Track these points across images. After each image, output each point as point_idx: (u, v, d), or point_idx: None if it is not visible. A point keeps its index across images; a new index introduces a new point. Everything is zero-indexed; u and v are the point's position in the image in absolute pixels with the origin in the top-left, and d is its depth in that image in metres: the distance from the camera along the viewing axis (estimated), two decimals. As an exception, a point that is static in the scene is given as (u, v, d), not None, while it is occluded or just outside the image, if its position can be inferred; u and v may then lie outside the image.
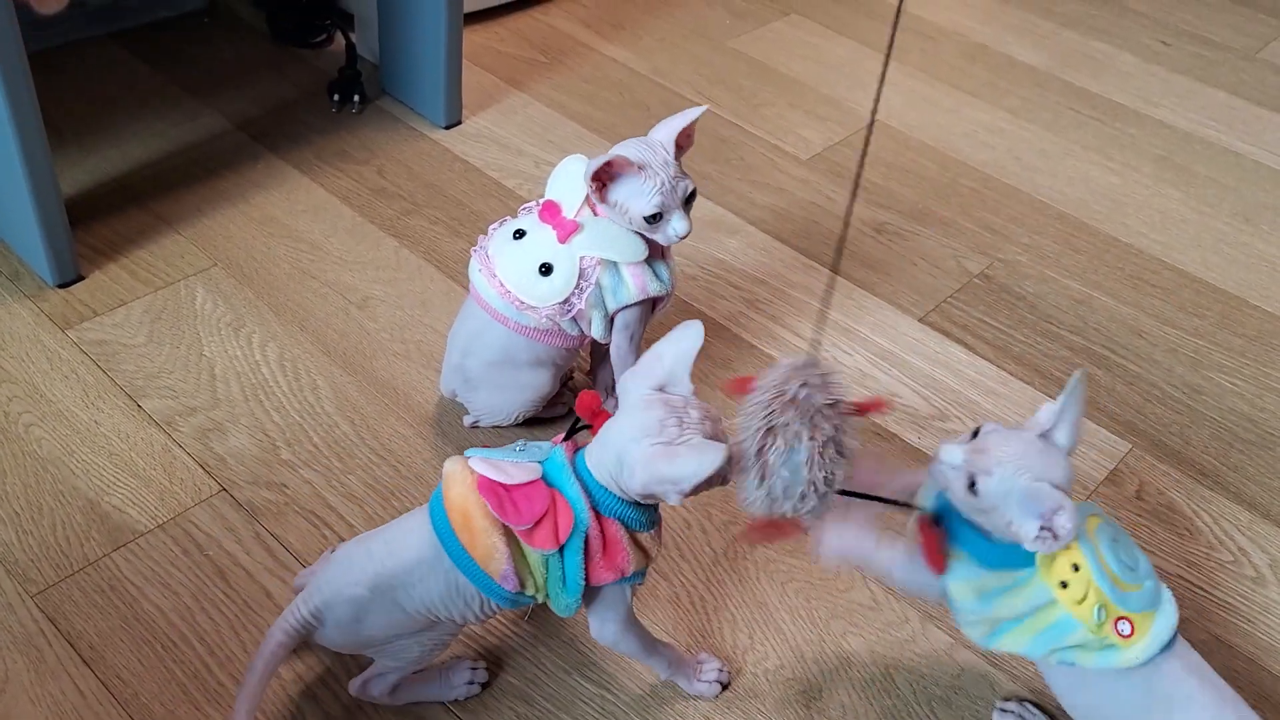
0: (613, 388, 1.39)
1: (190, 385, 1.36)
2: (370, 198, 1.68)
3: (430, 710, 1.07)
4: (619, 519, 0.94)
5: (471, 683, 1.09)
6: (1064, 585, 0.94)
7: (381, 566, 0.96)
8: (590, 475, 0.93)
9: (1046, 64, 2.21)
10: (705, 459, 0.87)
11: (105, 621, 1.11)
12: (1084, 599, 0.93)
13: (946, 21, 2.32)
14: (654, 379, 0.92)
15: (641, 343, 1.27)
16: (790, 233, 1.70)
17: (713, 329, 1.52)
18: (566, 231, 1.19)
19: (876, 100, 1.01)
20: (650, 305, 1.26)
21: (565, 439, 0.98)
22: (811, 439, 0.89)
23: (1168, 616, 0.96)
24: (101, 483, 1.24)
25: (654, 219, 1.18)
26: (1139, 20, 2.40)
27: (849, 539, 1.03)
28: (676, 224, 1.19)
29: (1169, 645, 0.95)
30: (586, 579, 0.94)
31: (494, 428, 1.34)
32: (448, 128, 1.84)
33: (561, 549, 0.93)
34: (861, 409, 0.94)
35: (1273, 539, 1.33)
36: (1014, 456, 0.92)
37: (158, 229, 1.58)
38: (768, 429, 0.90)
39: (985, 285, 1.65)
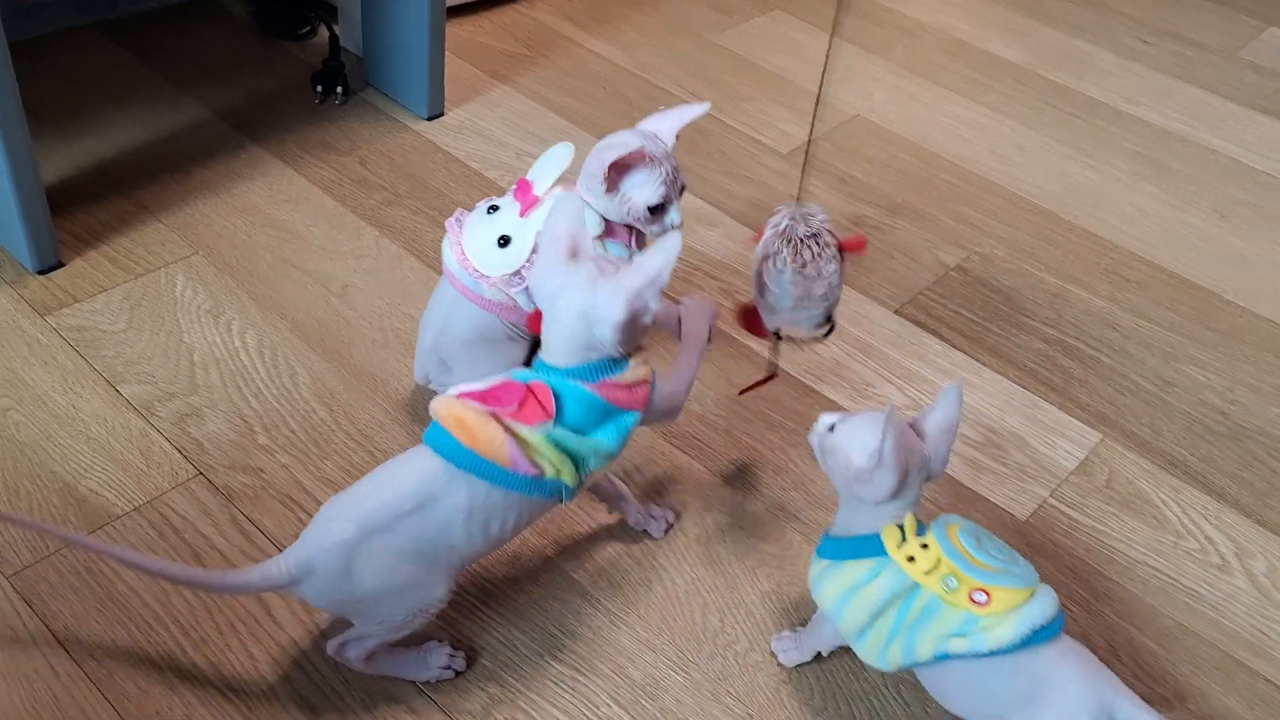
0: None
1: (169, 371, 1.37)
2: (352, 188, 1.69)
3: (402, 690, 1.08)
4: (607, 375, 1.00)
5: (448, 667, 1.09)
6: (911, 560, 0.97)
7: (370, 505, 0.97)
8: (553, 369, 1.01)
9: (1027, 60, 2.23)
10: (666, 249, 0.97)
11: (80, 603, 1.12)
12: (933, 569, 0.96)
13: (928, 17, 2.34)
14: (561, 251, 1.00)
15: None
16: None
17: (690, 319, 1.53)
18: (527, 206, 1.22)
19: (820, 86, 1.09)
20: None
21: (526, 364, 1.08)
22: (793, 261, 1.15)
23: (1045, 602, 0.96)
24: (79, 467, 1.25)
25: (657, 210, 1.20)
26: (1119, 18, 2.42)
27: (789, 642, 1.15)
28: (673, 215, 1.23)
29: (1046, 636, 0.95)
30: (630, 409, 1.02)
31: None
32: (430, 119, 1.85)
33: (559, 421, 0.98)
34: (842, 245, 1.18)
35: (1239, 528, 1.34)
36: (874, 416, 1.00)
37: (139, 217, 1.59)
38: (763, 256, 1.17)
39: (961, 278, 1.67)
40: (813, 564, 1.05)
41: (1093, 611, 1.23)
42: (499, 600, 1.17)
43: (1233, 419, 1.49)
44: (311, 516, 1.21)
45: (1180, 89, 2.19)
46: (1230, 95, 2.19)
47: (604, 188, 1.20)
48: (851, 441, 1.00)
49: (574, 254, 1.00)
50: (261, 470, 1.27)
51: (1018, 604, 0.95)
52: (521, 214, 1.22)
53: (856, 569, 1.00)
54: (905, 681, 1.14)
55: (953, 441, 1.01)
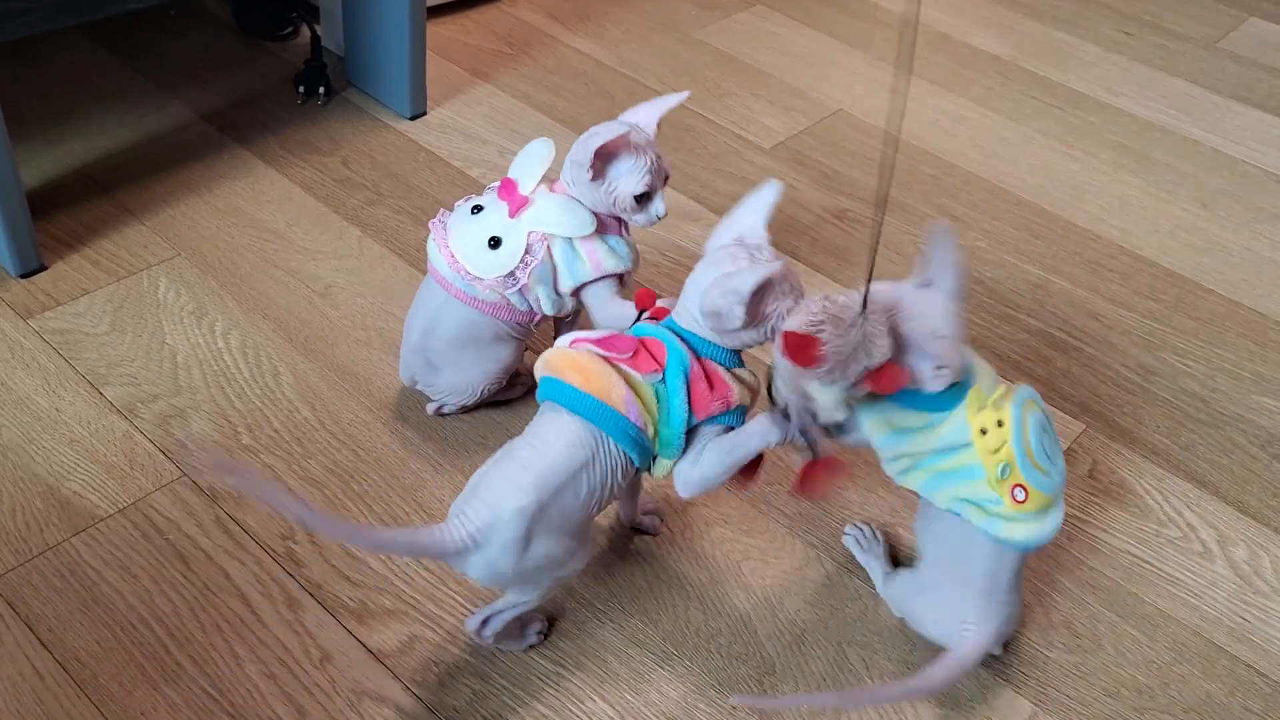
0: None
1: (152, 373, 1.37)
2: (334, 188, 1.69)
3: (387, 687, 1.08)
4: (713, 358, 1.03)
5: (540, 633, 1.13)
6: (983, 432, 1.00)
7: (543, 466, 0.97)
8: (677, 324, 1.04)
9: (1009, 53, 2.24)
10: (760, 269, 0.97)
11: (64, 605, 1.12)
12: (998, 450, 1.00)
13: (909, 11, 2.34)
14: (732, 231, 1.04)
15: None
16: (752, 220, 1.72)
17: (673, 315, 1.54)
18: (516, 206, 1.22)
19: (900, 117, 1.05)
20: (618, 280, 1.27)
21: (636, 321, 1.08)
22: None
23: (1057, 519, 1.04)
24: (62, 469, 1.25)
25: (642, 199, 1.21)
26: (1101, 10, 2.42)
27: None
28: (658, 205, 1.24)
29: (1036, 546, 1.04)
30: (695, 410, 1.01)
31: (460, 411, 1.35)
32: (412, 118, 1.85)
33: (665, 377, 1.00)
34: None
35: (1221, 515, 1.35)
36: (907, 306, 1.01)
37: (121, 219, 1.59)
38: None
39: (944, 270, 1.67)
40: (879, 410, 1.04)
41: (1076, 600, 1.23)
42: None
43: (1213, 406, 1.50)
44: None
45: (1162, 80, 2.20)
46: (1211, 86, 2.20)
47: (589, 175, 1.20)
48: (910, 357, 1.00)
49: (740, 240, 1.03)
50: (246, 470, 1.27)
51: (1042, 509, 1.02)
52: (511, 214, 1.22)
53: (920, 417, 1.02)
54: (891, 674, 1.15)
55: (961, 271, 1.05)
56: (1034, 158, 1.94)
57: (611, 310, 1.25)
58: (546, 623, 1.14)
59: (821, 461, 1.03)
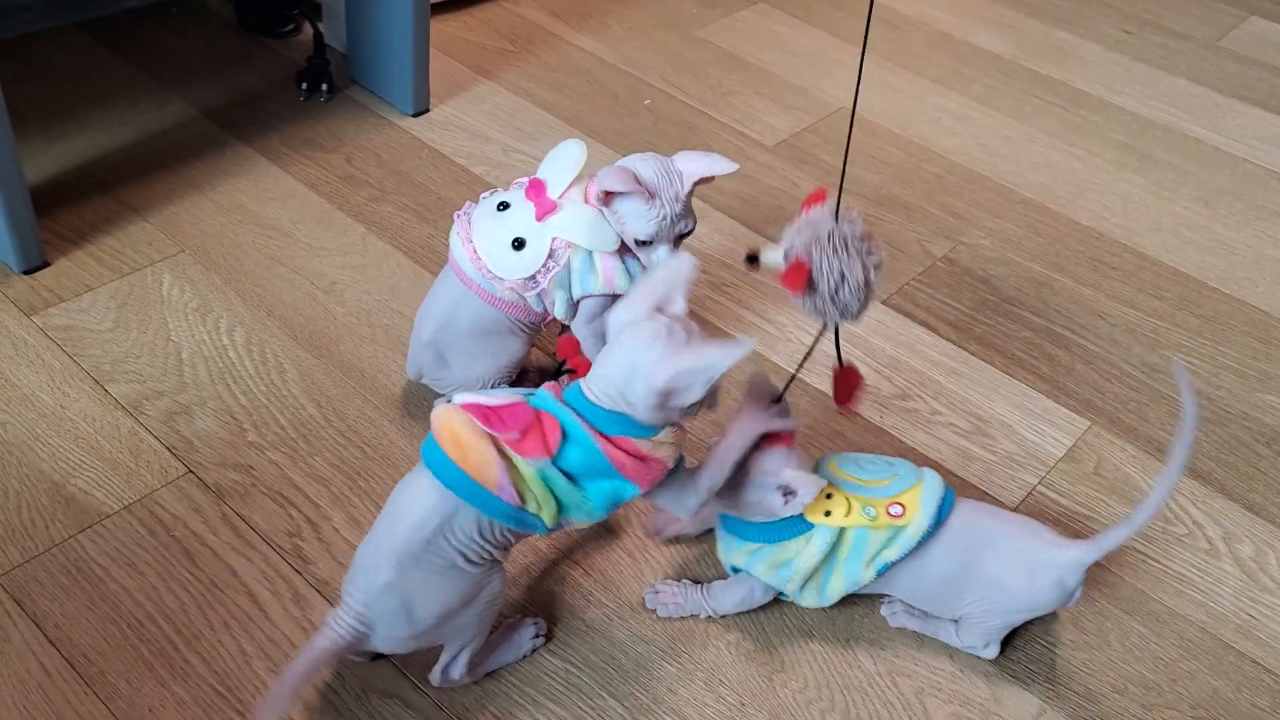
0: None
1: (157, 370, 1.37)
2: (338, 185, 1.69)
3: (396, 684, 1.08)
4: (626, 433, 0.96)
5: (537, 636, 1.12)
6: (828, 514, 1.08)
7: (397, 540, 0.96)
8: (584, 400, 0.97)
9: (1011, 52, 2.24)
10: (732, 349, 0.93)
11: (71, 601, 1.12)
12: (849, 510, 1.07)
13: (912, 10, 2.34)
14: (651, 300, 0.97)
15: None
16: (756, 218, 1.72)
17: (678, 312, 1.54)
18: (544, 210, 1.21)
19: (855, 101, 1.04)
20: (615, 298, 1.26)
21: (553, 378, 1.02)
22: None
23: (932, 483, 1.09)
24: (68, 466, 1.25)
25: (643, 244, 1.20)
26: (1102, 9, 2.43)
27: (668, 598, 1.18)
28: (660, 253, 1.21)
29: (947, 509, 1.09)
30: (638, 484, 0.98)
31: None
32: (416, 116, 1.85)
33: (557, 461, 0.95)
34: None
35: (1226, 513, 1.35)
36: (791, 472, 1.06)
37: (125, 216, 1.59)
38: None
39: (949, 268, 1.67)
40: (733, 545, 1.12)
41: (1083, 597, 1.23)
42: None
43: (1218, 404, 1.50)
44: (301, 513, 1.22)
45: (1163, 79, 2.20)
46: (1213, 85, 2.20)
47: (599, 201, 1.20)
48: (757, 494, 1.07)
49: (660, 308, 0.97)
50: (251, 467, 1.27)
51: (919, 497, 1.08)
52: (538, 218, 1.21)
53: (791, 545, 1.09)
54: (900, 671, 1.15)
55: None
56: (1036, 156, 1.94)
57: (595, 328, 1.26)
58: (543, 624, 1.13)
59: (845, 371, 1.15)
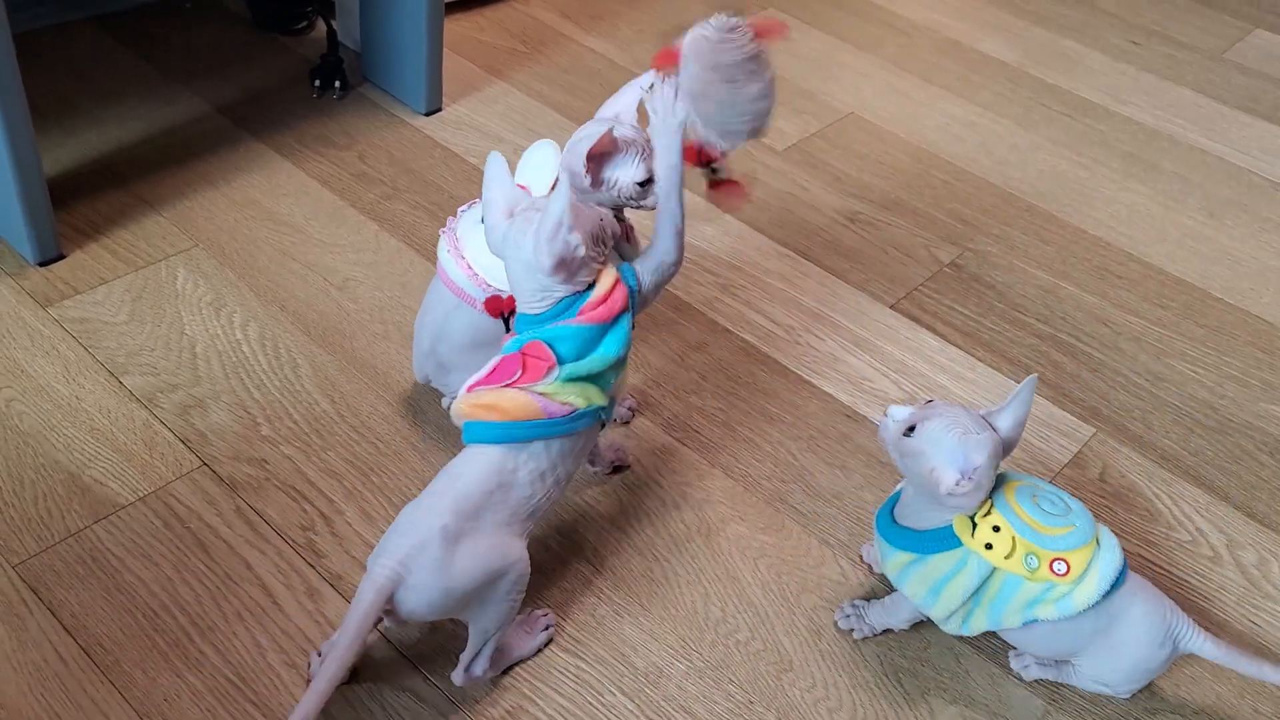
0: None
1: (171, 363, 1.38)
2: (351, 182, 1.70)
3: (408, 677, 1.09)
4: (583, 304, 1.04)
5: (548, 628, 1.14)
6: (989, 547, 1.03)
7: (457, 492, 0.99)
8: (532, 319, 1.05)
9: (1018, 60, 2.25)
10: (561, 193, 1.00)
11: (87, 591, 1.13)
12: (1011, 553, 1.02)
13: (920, 17, 2.36)
14: (497, 208, 1.06)
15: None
16: (765, 221, 1.73)
17: (687, 313, 1.55)
18: None
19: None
20: None
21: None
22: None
23: (1113, 551, 1.04)
24: (83, 457, 1.26)
25: (646, 184, 1.19)
26: (1109, 19, 2.44)
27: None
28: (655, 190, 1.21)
29: (1120, 582, 1.04)
30: (605, 305, 1.05)
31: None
32: (428, 115, 1.86)
33: (560, 370, 1.03)
34: (760, 32, 1.11)
35: (1229, 520, 1.36)
36: (954, 416, 1.01)
37: (139, 210, 1.60)
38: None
39: (955, 274, 1.68)
40: (890, 553, 1.08)
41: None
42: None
43: (1222, 413, 1.51)
44: (315, 507, 1.23)
45: (1169, 89, 2.22)
46: (1218, 96, 2.21)
47: (588, 182, 1.20)
48: (938, 453, 1.01)
49: (510, 213, 1.05)
50: (265, 461, 1.28)
51: (1090, 560, 1.03)
52: None
53: (943, 562, 1.05)
54: (906, 671, 1.16)
55: (1022, 430, 1.06)
56: (1043, 164, 1.96)
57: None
58: (553, 616, 1.15)
59: (726, 183, 1.21)
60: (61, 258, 1.50)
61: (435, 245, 1.59)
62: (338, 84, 1.87)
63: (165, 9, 2.03)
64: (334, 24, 1.92)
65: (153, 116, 1.78)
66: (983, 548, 1.03)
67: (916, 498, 1.07)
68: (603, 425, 1.10)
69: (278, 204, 1.64)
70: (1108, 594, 1.03)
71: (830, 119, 2.00)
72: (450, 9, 2.10)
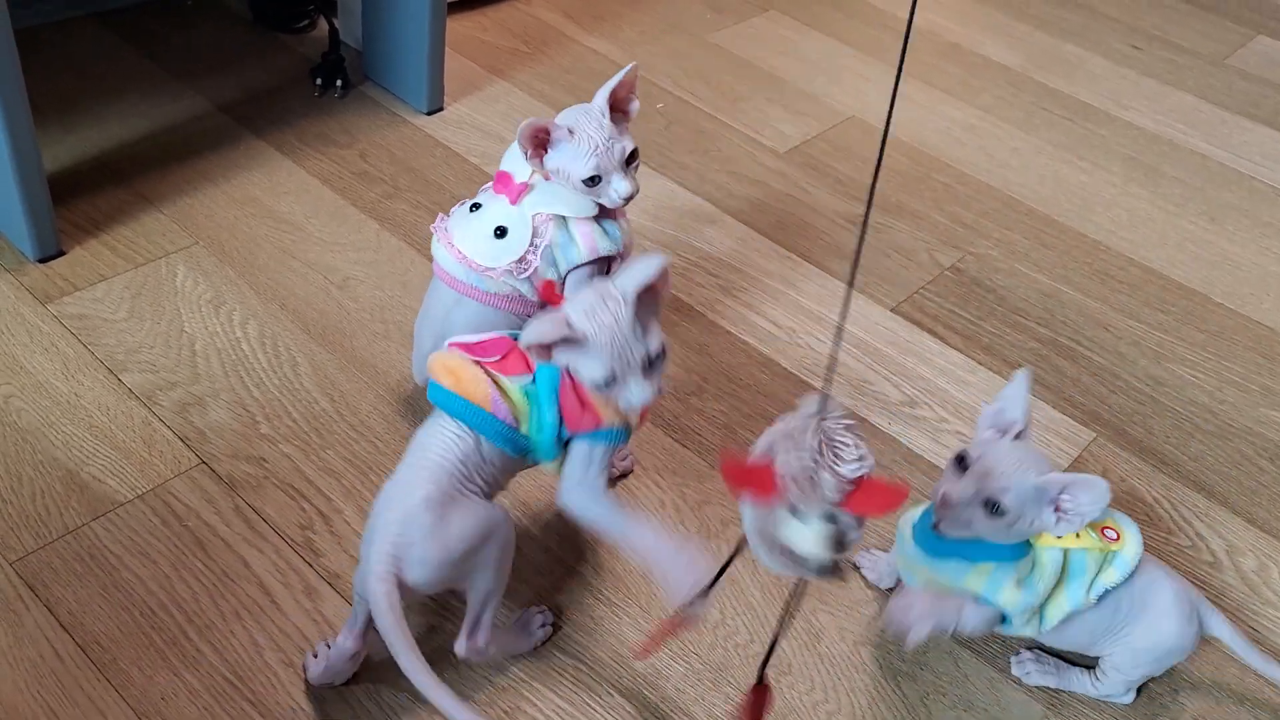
0: None
1: (170, 360, 1.37)
2: (352, 181, 1.69)
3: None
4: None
5: (544, 625, 1.14)
6: (1077, 535, 1.05)
7: (429, 461, 0.99)
8: None
9: (1020, 64, 2.25)
10: (586, 365, 0.96)
11: (84, 588, 1.13)
12: (1080, 535, 1.05)
13: (922, 21, 2.36)
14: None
15: None
16: (767, 224, 1.73)
17: (689, 315, 1.54)
18: (517, 193, 1.22)
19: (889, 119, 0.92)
20: (605, 268, 1.27)
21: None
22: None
23: (1122, 516, 1.10)
24: (81, 454, 1.25)
25: (592, 181, 1.19)
26: (1110, 24, 2.44)
27: (922, 610, 1.06)
28: (616, 184, 1.20)
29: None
30: (564, 423, 1.01)
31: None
32: (429, 114, 1.85)
33: (535, 382, 1.01)
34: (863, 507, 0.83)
35: (1229, 525, 1.36)
36: (1015, 465, 1.00)
37: (139, 207, 1.59)
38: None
39: (956, 277, 1.68)
40: (961, 569, 1.05)
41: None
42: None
43: (1221, 417, 1.51)
44: (314, 505, 1.23)
45: (1171, 94, 2.22)
46: (1220, 101, 2.21)
47: (526, 156, 1.20)
48: (1032, 509, 1.00)
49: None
50: (264, 459, 1.27)
51: (1120, 524, 1.08)
52: (513, 201, 1.23)
53: (1024, 563, 1.04)
54: (905, 675, 1.16)
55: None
56: (1044, 168, 1.96)
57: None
58: (550, 614, 1.15)
59: (756, 694, 0.94)
60: (61, 254, 1.50)
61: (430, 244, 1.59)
62: (339, 82, 1.86)
63: (167, 6, 2.03)
64: (336, 22, 1.92)
65: (154, 114, 1.78)
66: (1058, 539, 1.05)
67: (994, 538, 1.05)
68: (528, 463, 1.05)
69: (278, 202, 1.63)
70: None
71: (832, 122, 2.00)
72: (452, 8, 2.09)
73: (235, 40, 1.98)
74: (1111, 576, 1.06)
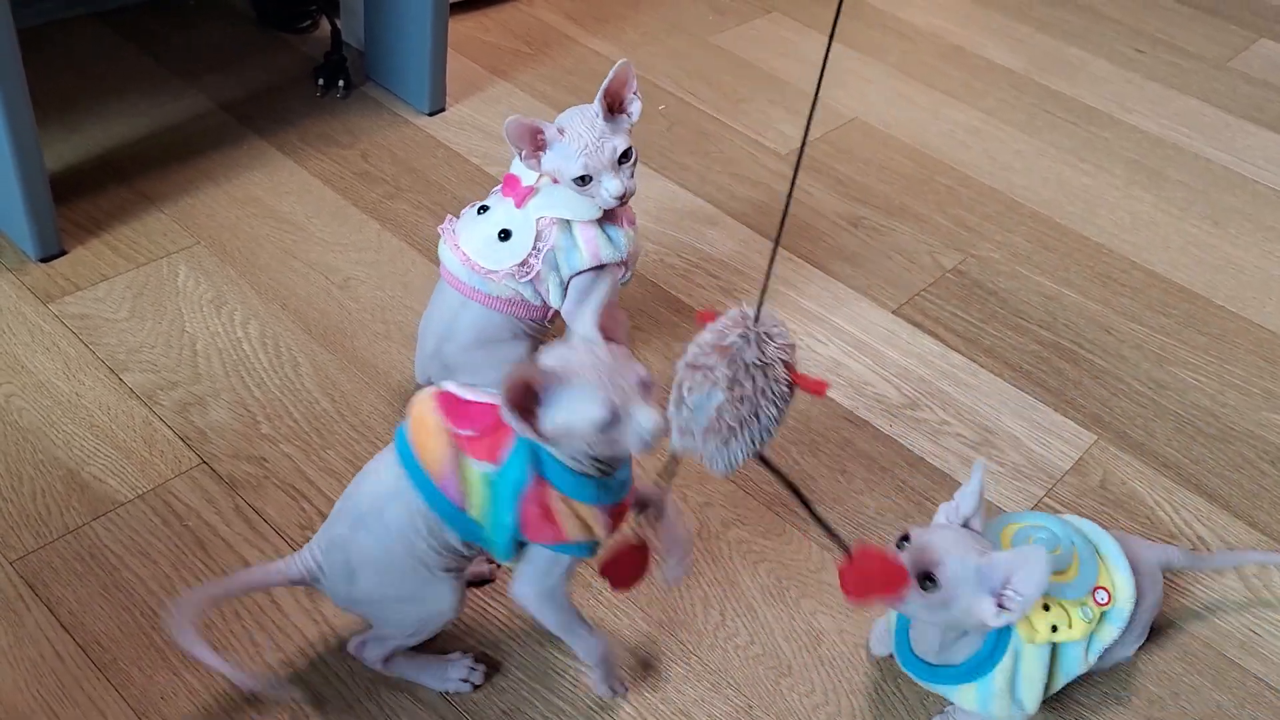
0: None
1: (172, 360, 1.37)
2: (353, 181, 1.69)
3: (408, 682, 1.09)
4: (554, 484, 0.91)
5: (465, 680, 1.08)
6: (1055, 629, 1.01)
7: (355, 498, 0.98)
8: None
9: (1023, 67, 2.25)
10: (580, 408, 0.85)
11: (84, 588, 1.12)
12: (1072, 621, 1.01)
13: (924, 23, 2.36)
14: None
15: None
16: (768, 225, 1.73)
17: (689, 316, 1.54)
18: (523, 197, 1.23)
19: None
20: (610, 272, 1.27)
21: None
22: (729, 389, 0.85)
23: (1111, 546, 1.06)
24: (82, 453, 1.25)
25: (583, 180, 1.19)
26: (1114, 27, 2.44)
27: None
28: (607, 183, 1.19)
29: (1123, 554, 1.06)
30: (523, 529, 0.92)
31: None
32: (431, 114, 1.85)
33: (500, 474, 0.90)
34: (797, 381, 0.88)
35: (1231, 529, 1.36)
36: (955, 542, 0.95)
37: (141, 206, 1.59)
38: (691, 364, 0.87)
39: (958, 280, 1.68)
40: (954, 691, 1.03)
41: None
42: (501, 592, 1.17)
43: (1223, 421, 1.51)
44: (314, 506, 1.23)
45: (1174, 98, 2.22)
46: (1223, 105, 2.21)
47: (519, 154, 1.20)
48: (970, 589, 0.93)
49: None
50: (264, 459, 1.27)
51: (1111, 569, 1.05)
52: (518, 205, 1.23)
53: (1005, 665, 1.01)
54: (903, 677, 1.15)
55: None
56: (1047, 171, 1.96)
57: (584, 308, 1.24)
58: (480, 672, 1.09)
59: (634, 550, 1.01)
60: (63, 254, 1.50)
61: (437, 245, 1.59)
62: (341, 83, 1.86)
63: (169, 5, 2.03)
64: (338, 22, 1.92)
65: (156, 113, 1.78)
66: (1050, 632, 1.00)
67: (947, 637, 1.01)
68: (469, 552, 0.98)
69: (280, 202, 1.63)
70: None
71: (834, 124, 1.99)
72: (455, 9, 2.09)
73: (238, 39, 1.98)
74: (1108, 634, 1.04)
